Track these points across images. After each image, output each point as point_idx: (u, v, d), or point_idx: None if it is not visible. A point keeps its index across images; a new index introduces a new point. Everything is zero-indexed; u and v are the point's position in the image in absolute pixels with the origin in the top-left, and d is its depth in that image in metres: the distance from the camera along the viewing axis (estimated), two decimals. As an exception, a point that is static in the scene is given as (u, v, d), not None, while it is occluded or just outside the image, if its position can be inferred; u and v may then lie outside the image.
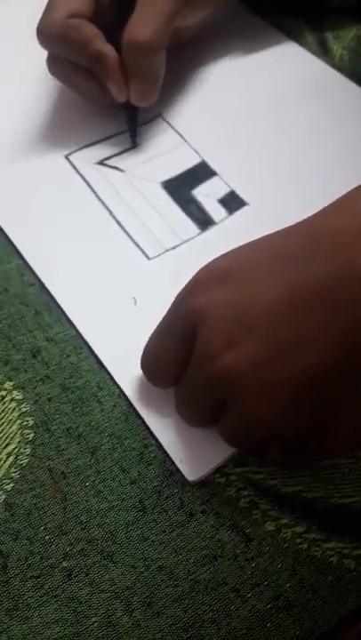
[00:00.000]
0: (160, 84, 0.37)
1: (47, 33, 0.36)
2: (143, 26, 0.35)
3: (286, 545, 0.27)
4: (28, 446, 0.29)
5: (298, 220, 0.25)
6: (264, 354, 0.23)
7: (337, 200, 0.25)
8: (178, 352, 0.26)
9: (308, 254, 0.23)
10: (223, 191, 0.38)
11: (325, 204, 0.25)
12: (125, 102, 0.37)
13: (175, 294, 0.27)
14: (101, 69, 0.35)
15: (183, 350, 0.26)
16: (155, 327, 0.28)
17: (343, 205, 0.24)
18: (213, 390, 0.25)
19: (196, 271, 0.26)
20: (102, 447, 0.29)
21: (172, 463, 0.28)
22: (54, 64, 0.38)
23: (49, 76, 0.41)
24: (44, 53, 0.41)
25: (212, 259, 0.26)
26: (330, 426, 0.24)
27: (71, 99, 0.41)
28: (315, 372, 0.22)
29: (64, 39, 0.35)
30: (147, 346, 0.29)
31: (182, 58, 0.42)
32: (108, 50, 0.35)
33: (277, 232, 0.25)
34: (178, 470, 0.28)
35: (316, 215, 0.25)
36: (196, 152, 0.39)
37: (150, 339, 0.28)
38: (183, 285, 0.27)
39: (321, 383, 0.23)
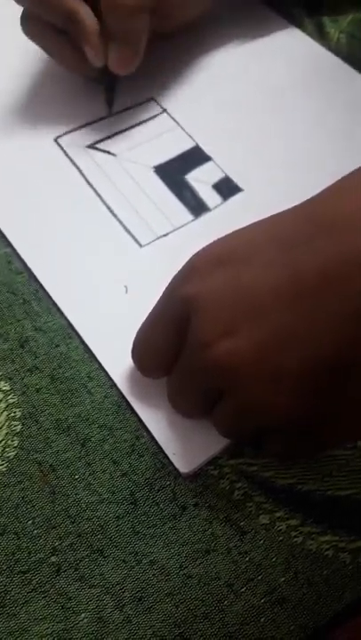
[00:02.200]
0: (141, 52, 0.35)
1: None
2: None
3: (281, 538, 0.26)
4: (15, 438, 0.28)
5: (295, 206, 0.25)
6: (266, 341, 0.22)
7: (336, 182, 0.24)
8: (170, 341, 0.26)
9: (308, 237, 0.22)
10: (217, 176, 0.37)
11: (322, 189, 0.24)
12: (104, 69, 0.36)
13: (167, 282, 0.26)
14: (76, 30, 0.34)
15: (176, 339, 0.25)
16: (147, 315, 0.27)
17: (343, 188, 0.23)
18: (208, 380, 0.24)
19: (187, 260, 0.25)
20: (92, 439, 0.28)
21: (165, 455, 0.28)
22: (29, 24, 0.36)
23: (38, 55, 0.40)
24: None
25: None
26: (332, 415, 0.23)
27: (61, 78, 0.40)
28: (319, 359, 0.22)
29: None
30: (137, 335, 0.28)
31: (175, 40, 0.41)
32: (85, 10, 0.33)
33: (275, 215, 0.24)
34: (170, 462, 0.28)
35: (315, 198, 0.24)
36: (190, 136, 0.38)
37: (141, 328, 0.28)
38: (175, 274, 0.26)
39: (325, 371, 0.22)
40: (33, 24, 0.36)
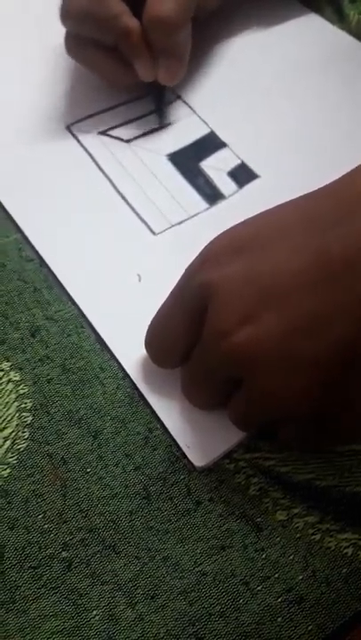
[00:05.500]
0: (187, 60, 0.36)
1: (72, 10, 0.34)
2: (166, 1, 0.33)
3: (298, 535, 0.26)
4: (26, 430, 0.28)
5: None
6: (288, 327, 0.21)
7: None
8: (186, 330, 0.25)
9: (338, 217, 0.21)
10: (233, 163, 0.36)
11: (352, 169, 0.23)
12: (152, 82, 0.36)
13: (181, 272, 0.25)
14: (128, 46, 0.34)
15: (192, 328, 0.24)
16: (160, 304, 0.27)
17: None
18: (226, 369, 0.24)
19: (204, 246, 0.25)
20: (104, 431, 0.28)
21: (179, 448, 0.27)
22: (74, 44, 0.36)
23: (50, 44, 0.39)
24: (45, 22, 0.39)
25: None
26: (348, 406, 0.22)
27: (74, 67, 0.39)
28: (345, 345, 0.21)
29: (90, 15, 0.33)
30: (151, 324, 0.27)
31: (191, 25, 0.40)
32: (135, 25, 0.33)
33: (301, 196, 0.23)
34: (184, 456, 0.27)
35: (344, 177, 0.23)
36: (205, 122, 0.37)
37: (155, 317, 0.27)
38: (190, 262, 0.25)
39: (351, 357, 0.21)
40: (79, 45, 0.36)
